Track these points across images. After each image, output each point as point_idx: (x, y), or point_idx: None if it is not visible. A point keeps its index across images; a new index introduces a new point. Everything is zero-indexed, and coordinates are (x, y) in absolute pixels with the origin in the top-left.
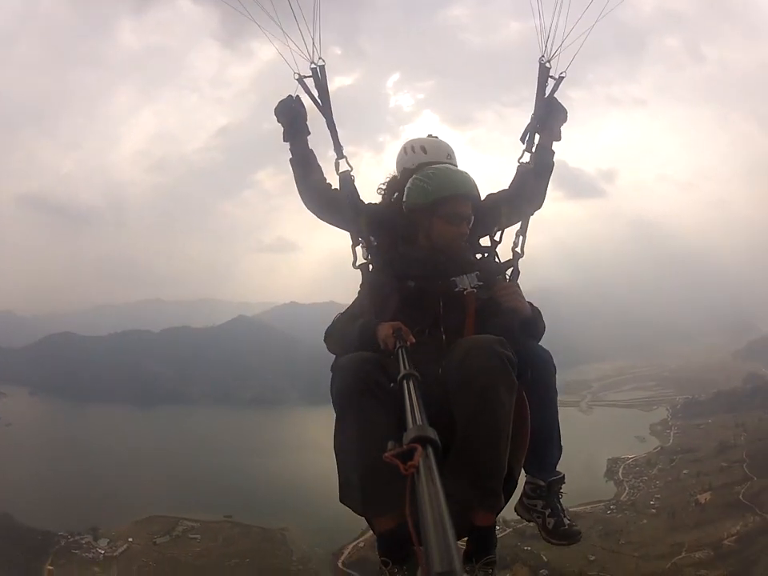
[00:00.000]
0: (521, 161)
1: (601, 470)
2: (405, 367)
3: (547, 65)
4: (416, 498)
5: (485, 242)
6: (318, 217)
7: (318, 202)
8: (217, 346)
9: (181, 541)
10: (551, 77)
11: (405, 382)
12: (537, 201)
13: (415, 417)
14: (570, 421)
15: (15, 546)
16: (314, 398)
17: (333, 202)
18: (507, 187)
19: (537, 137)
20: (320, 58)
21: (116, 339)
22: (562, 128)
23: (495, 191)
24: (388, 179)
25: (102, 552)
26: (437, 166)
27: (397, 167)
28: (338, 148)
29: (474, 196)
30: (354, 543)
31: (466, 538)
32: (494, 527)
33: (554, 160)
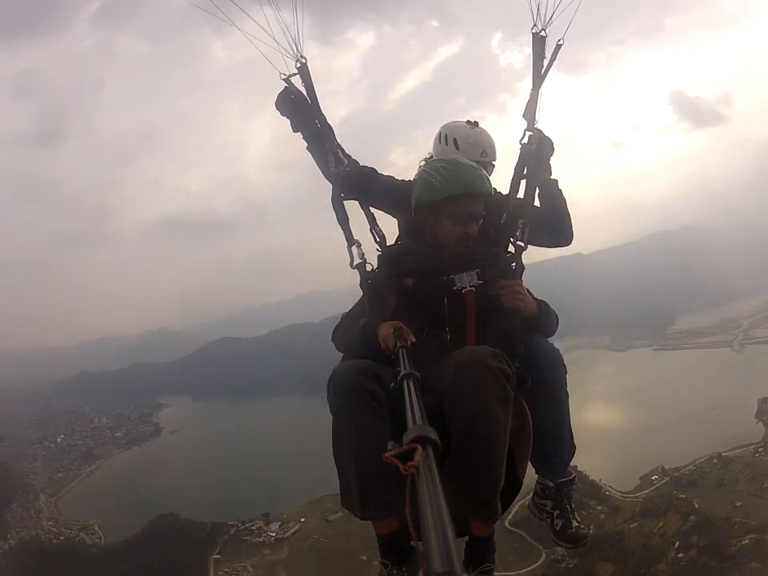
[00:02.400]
0: (522, 141)
1: (752, 410)
2: (405, 367)
3: (542, 33)
4: (416, 498)
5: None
6: (350, 196)
7: (346, 180)
8: None
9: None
10: (554, 54)
11: (405, 381)
12: (562, 238)
13: (415, 417)
14: (721, 361)
15: (181, 542)
16: None
17: (354, 182)
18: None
19: (527, 134)
20: (302, 56)
21: (276, 336)
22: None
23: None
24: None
25: (273, 535)
26: (448, 158)
27: (433, 153)
28: (331, 144)
29: (486, 193)
30: (521, 502)
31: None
32: (491, 536)
33: (560, 188)
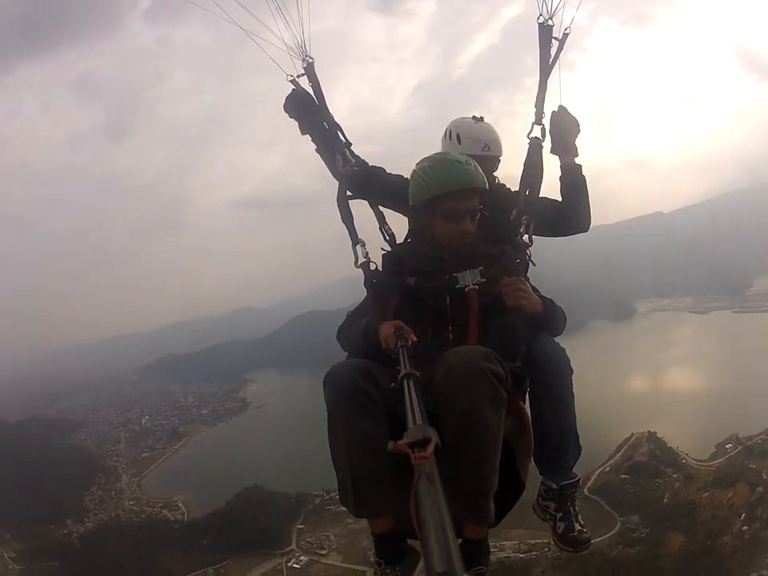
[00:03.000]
0: (531, 136)
1: None
2: (405, 367)
3: (549, 22)
4: (417, 496)
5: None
6: (357, 195)
7: (353, 181)
8: None
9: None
10: (555, 38)
11: (405, 381)
12: (582, 224)
13: (415, 416)
14: None
15: (265, 513)
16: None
17: (367, 180)
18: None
19: (540, 133)
20: (308, 56)
21: None
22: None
23: (541, 195)
24: None
25: None
26: (437, 157)
27: (441, 148)
28: (339, 144)
29: (477, 188)
30: (600, 469)
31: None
32: (485, 539)
33: (584, 174)
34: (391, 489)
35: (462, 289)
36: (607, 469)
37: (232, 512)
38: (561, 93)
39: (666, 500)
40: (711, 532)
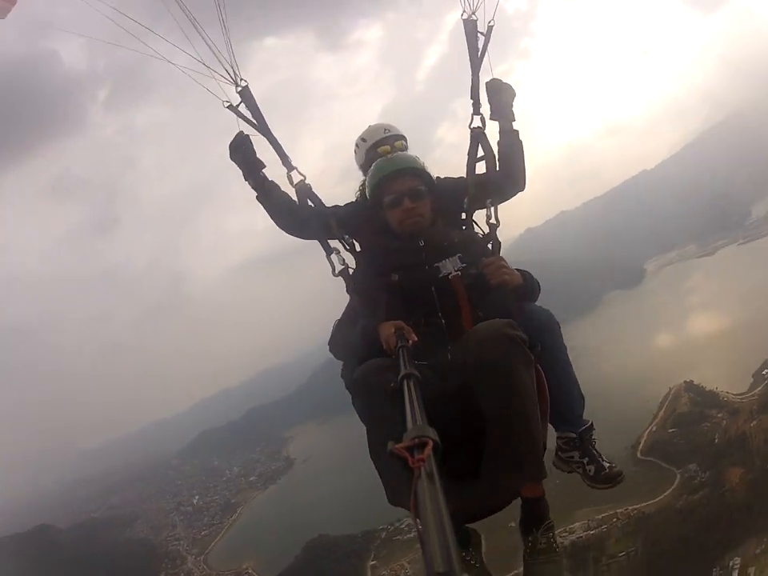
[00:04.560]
0: (471, 126)
1: None
2: (405, 367)
3: (473, 17)
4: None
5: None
6: (299, 237)
7: (295, 225)
8: None
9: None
10: (481, 33)
11: (405, 381)
12: (518, 183)
13: (415, 417)
14: None
15: (335, 557)
16: (583, 306)
17: (307, 220)
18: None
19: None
20: (242, 80)
21: None
22: (513, 105)
23: (470, 173)
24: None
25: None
26: (378, 159)
27: (355, 162)
28: (285, 161)
29: (406, 168)
30: (648, 429)
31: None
32: (544, 495)
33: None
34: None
35: (446, 277)
36: (654, 428)
37: (303, 564)
38: (492, 71)
39: (716, 440)
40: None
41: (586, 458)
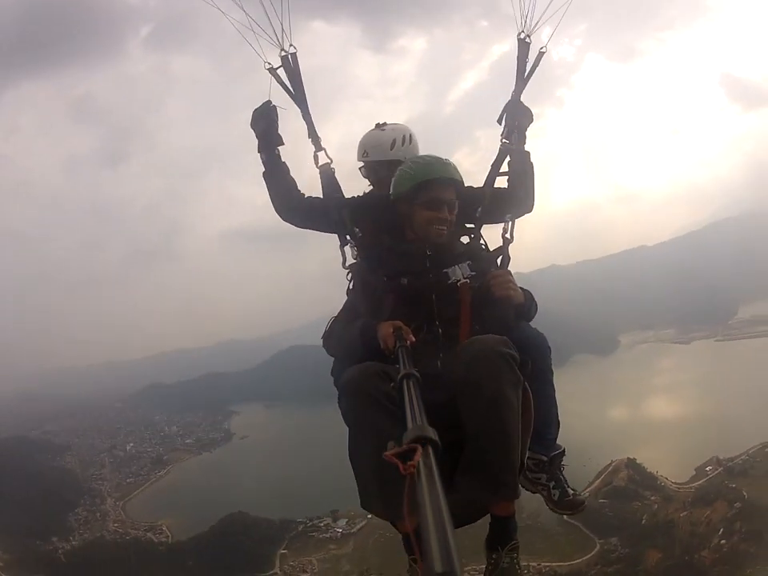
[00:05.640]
0: (502, 140)
1: None
2: (404, 367)
3: (527, 40)
4: (415, 498)
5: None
6: (298, 226)
7: (298, 212)
8: None
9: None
10: (537, 60)
11: (404, 381)
12: (525, 204)
13: (415, 417)
14: None
15: (249, 538)
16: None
17: (313, 210)
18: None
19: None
20: (291, 45)
21: None
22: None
23: (481, 186)
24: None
25: (340, 530)
26: (421, 155)
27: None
28: (315, 139)
29: (457, 181)
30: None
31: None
32: (514, 515)
33: (532, 160)
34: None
35: (454, 284)
36: (586, 494)
37: (216, 536)
38: (523, 92)
39: (644, 521)
40: (689, 547)
41: (553, 482)
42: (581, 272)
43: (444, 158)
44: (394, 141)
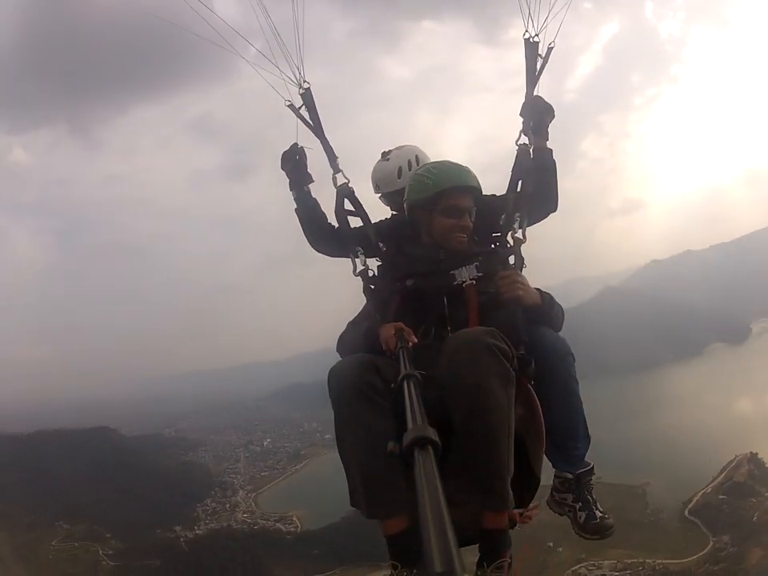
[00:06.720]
0: (518, 143)
1: None
2: (405, 368)
3: (535, 39)
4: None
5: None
6: (330, 256)
7: (330, 246)
8: (589, 322)
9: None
10: (540, 55)
11: (405, 382)
12: (552, 203)
13: (415, 417)
14: None
15: (378, 528)
16: (685, 352)
17: (342, 241)
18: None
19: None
20: (305, 81)
21: None
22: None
23: (504, 193)
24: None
25: None
26: (439, 161)
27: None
28: (333, 163)
29: (475, 188)
30: (703, 490)
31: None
32: (506, 529)
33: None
34: (404, 487)
35: (460, 285)
36: (709, 490)
37: (347, 526)
38: (538, 90)
39: (755, 518)
40: None
41: (579, 503)
42: (714, 256)
43: (462, 164)
44: (400, 169)
